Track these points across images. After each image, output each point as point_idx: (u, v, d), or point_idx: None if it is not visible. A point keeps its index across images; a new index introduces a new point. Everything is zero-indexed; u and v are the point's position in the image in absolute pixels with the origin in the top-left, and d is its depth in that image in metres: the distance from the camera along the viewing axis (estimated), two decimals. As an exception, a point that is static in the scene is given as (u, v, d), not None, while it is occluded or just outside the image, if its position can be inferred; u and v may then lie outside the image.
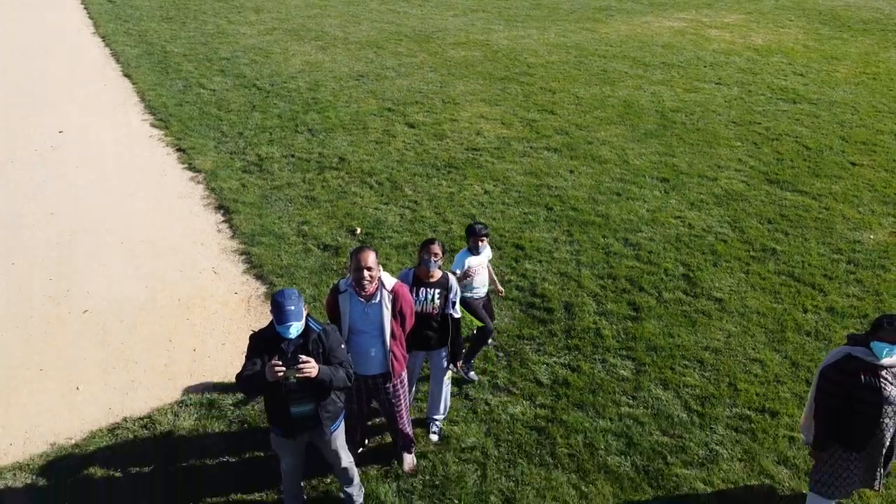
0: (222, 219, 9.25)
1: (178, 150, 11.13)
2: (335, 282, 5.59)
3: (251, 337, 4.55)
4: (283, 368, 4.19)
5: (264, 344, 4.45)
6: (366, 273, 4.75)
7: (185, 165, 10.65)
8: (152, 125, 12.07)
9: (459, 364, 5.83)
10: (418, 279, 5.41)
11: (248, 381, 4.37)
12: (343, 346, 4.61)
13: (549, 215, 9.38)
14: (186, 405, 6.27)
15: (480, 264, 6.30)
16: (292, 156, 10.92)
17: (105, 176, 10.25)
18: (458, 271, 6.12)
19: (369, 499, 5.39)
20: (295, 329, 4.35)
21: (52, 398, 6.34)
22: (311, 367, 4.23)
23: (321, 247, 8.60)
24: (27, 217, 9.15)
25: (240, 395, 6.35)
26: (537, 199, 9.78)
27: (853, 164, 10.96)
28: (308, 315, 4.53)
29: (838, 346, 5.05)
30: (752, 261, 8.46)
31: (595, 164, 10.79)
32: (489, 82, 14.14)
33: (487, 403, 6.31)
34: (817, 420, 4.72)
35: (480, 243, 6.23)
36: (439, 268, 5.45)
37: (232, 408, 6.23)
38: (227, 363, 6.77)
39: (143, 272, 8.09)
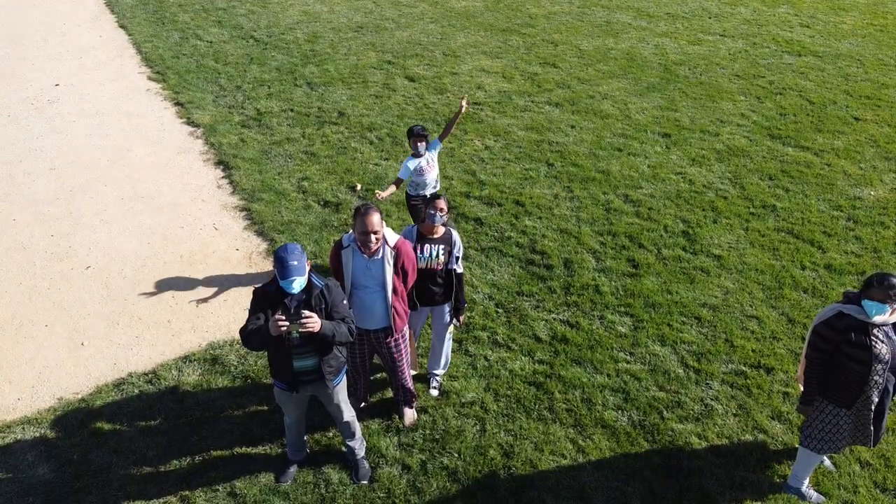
0: (222, 174, 9.23)
1: (177, 103, 11.04)
2: (338, 237, 5.60)
3: (254, 292, 4.60)
4: (287, 323, 4.24)
5: (267, 299, 4.49)
6: (372, 237, 4.78)
7: (184, 120, 10.58)
8: (149, 78, 11.94)
9: (462, 318, 5.88)
10: (422, 235, 5.43)
11: (252, 336, 4.42)
12: (345, 301, 4.66)
13: (549, 171, 9.35)
14: (190, 361, 6.36)
15: (428, 162, 6.92)
16: (291, 110, 10.83)
17: (104, 130, 10.19)
18: (403, 178, 6.80)
19: (371, 452, 5.51)
20: (298, 284, 4.38)
21: (58, 353, 6.43)
22: (313, 322, 4.28)
23: (321, 203, 8.60)
24: (26, 171, 9.13)
25: (243, 351, 6.44)
26: (538, 154, 9.74)
27: (856, 119, 10.87)
28: (311, 271, 4.56)
29: (832, 304, 5.10)
30: (751, 217, 8.47)
31: (597, 119, 10.71)
32: (490, 34, 13.93)
33: (487, 359, 6.40)
34: (807, 375, 4.80)
35: (419, 144, 6.77)
36: (444, 224, 5.46)
37: (235, 363, 6.32)
38: (230, 319, 6.85)
39: (144, 228, 8.11)
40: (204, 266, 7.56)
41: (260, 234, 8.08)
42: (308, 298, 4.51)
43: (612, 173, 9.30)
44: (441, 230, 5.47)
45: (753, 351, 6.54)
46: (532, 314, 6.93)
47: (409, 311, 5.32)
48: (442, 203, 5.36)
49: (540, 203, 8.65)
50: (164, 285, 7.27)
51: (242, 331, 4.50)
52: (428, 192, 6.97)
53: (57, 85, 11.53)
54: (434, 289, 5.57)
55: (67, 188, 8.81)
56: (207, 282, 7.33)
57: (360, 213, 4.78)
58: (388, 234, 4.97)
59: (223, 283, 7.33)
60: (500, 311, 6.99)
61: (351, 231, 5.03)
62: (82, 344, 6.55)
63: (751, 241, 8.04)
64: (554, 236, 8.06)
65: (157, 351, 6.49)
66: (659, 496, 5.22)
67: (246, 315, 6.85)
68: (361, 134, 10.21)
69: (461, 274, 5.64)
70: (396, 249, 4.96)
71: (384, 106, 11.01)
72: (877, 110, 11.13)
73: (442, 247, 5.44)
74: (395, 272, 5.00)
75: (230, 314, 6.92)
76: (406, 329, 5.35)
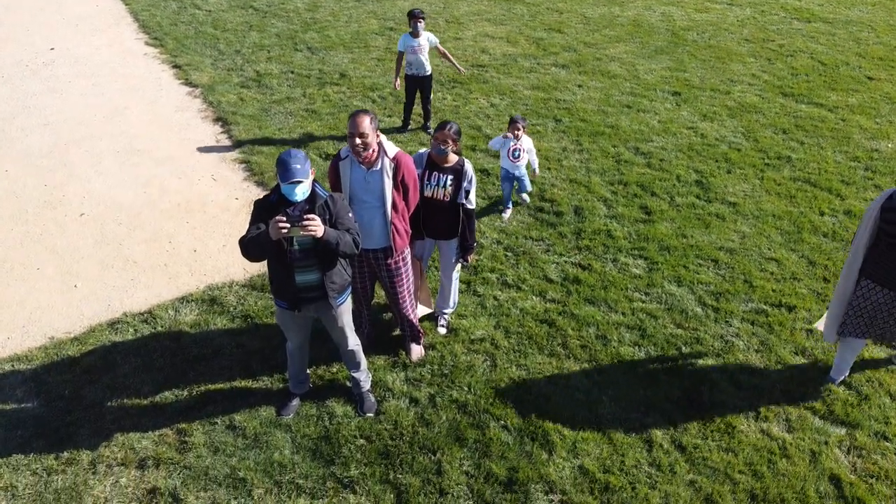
0: (220, 130, 8.98)
1: (174, 66, 10.80)
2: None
3: (255, 203, 4.34)
4: (287, 225, 3.98)
5: (269, 209, 4.23)
6: (358, 141, 4.51)
7: (182, 81, 10.33)
8: (147, 44, 11.70)
9: (471, 258, 5.59)
10: (433, 162, 5.17)
11: (251, 244, 4.17)
12: (350, 214, 4.40)
13: (557, 126, 9.10)
14: (188, 301, 6.11)
15: (420, 45, 8.26)
16: (291, 72, 10.59)
17: (99, 90, 9.95)
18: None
19: (377, 386, 5.26)
20: (301, 190, 4.13)
21: (49, 295, 6.17)
22: (316, 225, 4.02)
23: (324, 156, 8.35)
24: (20, 126, 8.88)
25: (242, 292, 6.19)
26: (545, 111, 9.49)
27: (870, 78, 10.62)
28: (314, 181, 4.31)
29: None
30: (766, 168, 8.22)
31: (604, 79, 10.47)
32: (493, 2, 13.70)
33: (496, 299, 6.15)
34: (856, 254, 4.78)
35: (418, 24, 8.13)
36: (455, 153, 5.20)
37: (234, 304, 6.06)
38: (229, 263, 6.59)
39: (140, 179, 7.86)
40: (202, 214, 7.31)
41: (260, 184, 7.83)
42: (311, 209, 4.26)
43: (621, 128, 9.05)
44: (453, 159, 5.19)
45: (774, 291, 6.28)
46: (542, 257, 6.68)
47: (410, 231, 5.04)
48: (447, 135, 5.07)
49: (548, 155, 8.40)
50: (160, 231, 7.02)
51: (241, 240, 4.24)
52: (419, 72, 8.49)
53: (52, 49, 11.29)
54: (439, 221, 5.30)
55: (62, 142, 8.56)
56: (205, 228, 7.08)
57: (350, 115, 4.52)
58: (386, 146, 4.70)
59: (222, 229, 7.07)
60: (509, 254, 6.73)
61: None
62: (75, 286, 6.29)
63: (766, 190, 7.79)
64: (563, 185, 7.80)
65: (152, 293, 6.24)
66: (681, 428, 4.96)
67: (245, 261, 6.60)
68: (364, 94, 9.96)
69: (471, 210, 5.32)
70: (395, 161, 4.70)
71: (386, 68, 10.76)
72: (891, 70, 10.89)
73: (451, 177, 5.17)
74: (395, 186, 4.73)
75: (229, 258, 6.66)
76: (407, 251, 5.08)
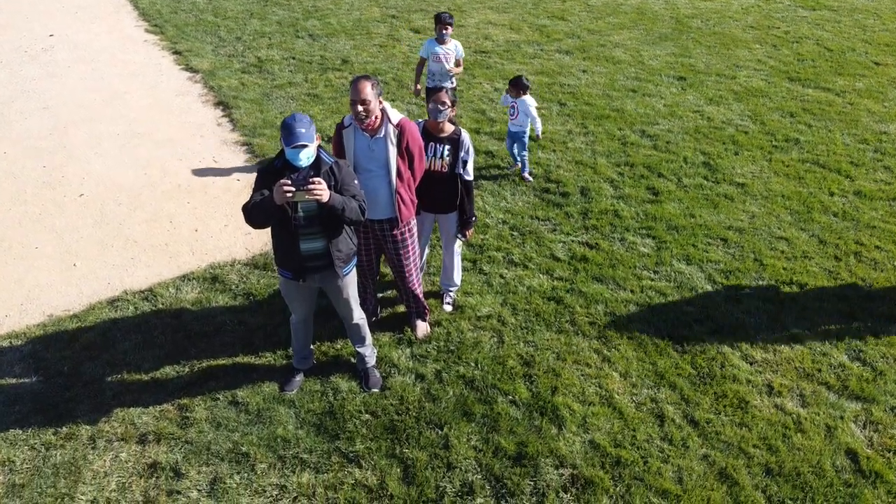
0: (222, 114, 8.88)
1: (175, 52, 10.69)
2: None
3: (259, 169, 4.24)
4: (292, 189, 3.87)
5: (273, 175, 4.13)
6: (360, 108, 4.40)
7: (182, 66, 10.23)
8: (147, 31, 11.60)
9: (469, 233, 5.44)
10: (428, 132, 5.05)
11: (255, 210, 4.06)
12: (356, 181, 4.30)
13: (561, 110, 9.00)
14: (189, 280, 6.00)
15: (445, 53, 7.13)
16: (293, 58, 10.49)
17: (99, 74, 9.85)
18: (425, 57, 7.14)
19: (382, 362, 5.15)
20: (305, 155, 4.02)
21: (48, 274, 6.07)
22: (322, 189, 3.91)
23: (326, 139, 8.24)
24: (18, 110, 8.78)
25: (245, 271, 6.08)
26: (549, 95, 9.39)
27: (877, 63, 10.53)
28: (320, 147, 4.20)
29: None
30: (774, 150, 8.12)
31: (609, 65, 10.37)
32: (496, -9, 13.59)
33: (503, 277, 6.04)
34: None
35: (445, 31, 6.99)
36: (451, 122, 5.09)
37: (237, 282, 5.96)
38: (231, 243, 6.49)
39: (141, 161, 7.76)
40: (203, 195, 7.21)
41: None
42: (316, 175, 4.15)
43: (626, 111, 8.95)
44: (449, 129, 5.08)
45: (784, 269, 6.18)
46: (549, 237, 6.57)
47: (416, 202, 4.93)
48: (444, 97, 4.94)
49: (553, 138, 8.30)
50: (160, 212, 6.91)
51: (245, 207, 4.14)
52: (441, 83, 7.21)
53: (51, 35, 11.19)
54: (438, 193, 5.17)
55: (61, 125, 8.46)
56: (207, 209, 6.97)
57: (352, 81, 4.41)
58: (390, 112, 4.60)
59: (223, 210, 6.97)
60: (514, 233, 6.63)
61: None
62: (74, 265, 6.19)
63: (775, 171, 7.69)
64: (569, 167, 7.70)
65: (153, 272, 6.14)
66: (693, 403, 4.86)
67: (247, 239, 6.51)
68: (366, 78, 9.84)
69: (469, 182, 5.19)
70: (400, 128, 4.59)
71: (389, 54, 10.66)
72: (897, 55, 10.79)
73: (448, 147, 5.04)
74: (400, 154, 4.62)
75: (231, 238, 6.56)
76: (413, 223, 4.97)
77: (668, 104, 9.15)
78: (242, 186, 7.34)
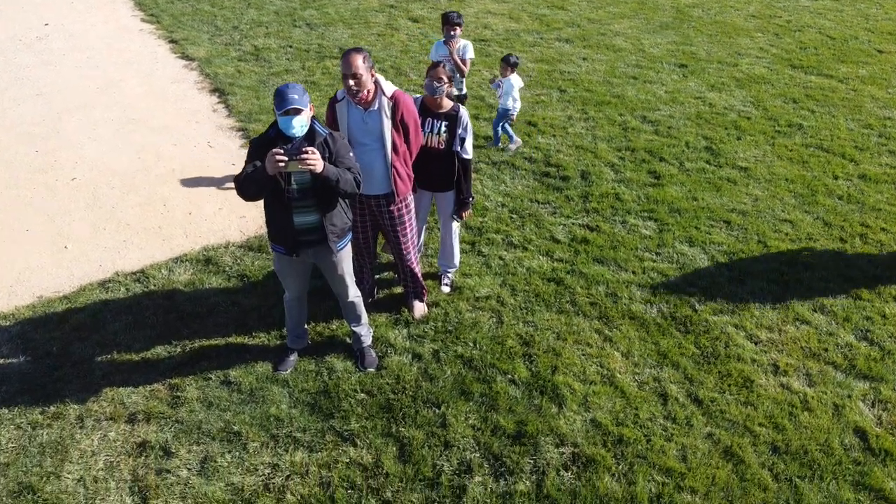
0: (217, 100, 8.77)
1: (171, 41, 10.58)
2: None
3: (251, 141, 4.12)
4: (286, 158, 3.76)
5: (266, 145, 4.01)
6: (352, 82, 4.28)
7: (179, 55, 10.12)
8: (143, 20, 11.49)
9: (466, 214, 5.32)
10: (426, 108, 4.94)
11: (247, 181, 3.95)
12: (351, 153, 4.19)
13: (562, 97, 8.89)
14: (182, 261, 5.89)
15: (451, 55, 6.51)
16: (290, 47, 10.38)
17: (94, 62, 9.74)
18: (441, 60, 6.29)
19: (378, 342, 5.03)
20: (298, 122, 3.91)
21: (38, 257, 5.95)
22: (315, 159, 3.80)
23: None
24: (11, 97, 8.67)
25: (239, 253, 5.97)
26: (549, 82, 9.28)
27: (880, 51, 10.42)
28: (314, 118, 4.09)
29: None
30: (777, 135, 8.01)
31: (609, 53, 10.26)
32: (496, -18, 13.47)
33: (502, 258, 5.93)
34: None
35: (453, 32, 6.39)
36: (449, 97, 4.97)
37: (230, 264, 5.85)
38: (225, 226, 6.38)
39: (135, 146, 7.64)
40: (198, 179, 7.09)
41: (257, 151, 7.59)
42: (310, 146, 4.03)
43: (627, 98, 8.84)
44: (447, 105, 4.95)
45: (789, 250, 6.07)
46: (549, 219, 6.46)
47: (412, 176, 4.81)
48: (441, 72, 4.82)
49: (553, 123, 8.19)
50: (154, 195, 6.80)
51: (237, 178, 4.03)
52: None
53: (46, 24, 11.08)
54: (434, 171, 5.04)
55: (55, 111, 8.35)
56: (202, 193, 6.86)
57: (343, 55, 4.30)
58: (384, 85, 4.48)
59: (218, 193, 6.86)
60: (514, 216, 6.52)
61: None
62: (65, 247, 6.07)
63: (778, 155, 7.57)
64: (569, 151, 7.59)
65: (145, 254, 6.02)
66: (696, 383, 4.74)
67: (241, 222, 6.40)
68: (364, 66, 9.73)
69: (467, 160, 5.06)
70: (394, 100, 4.47)
71: (387, 43, 10.55)
72: (901, 43, 10.68)
73: (445, 123, 4.91)
74: (395, 127, 4.50)
75: (225, 221, 6.45)
76: (410, 198, 4.85)
77: (670, 90, 9.04)
78: (237, 170, 7.21)
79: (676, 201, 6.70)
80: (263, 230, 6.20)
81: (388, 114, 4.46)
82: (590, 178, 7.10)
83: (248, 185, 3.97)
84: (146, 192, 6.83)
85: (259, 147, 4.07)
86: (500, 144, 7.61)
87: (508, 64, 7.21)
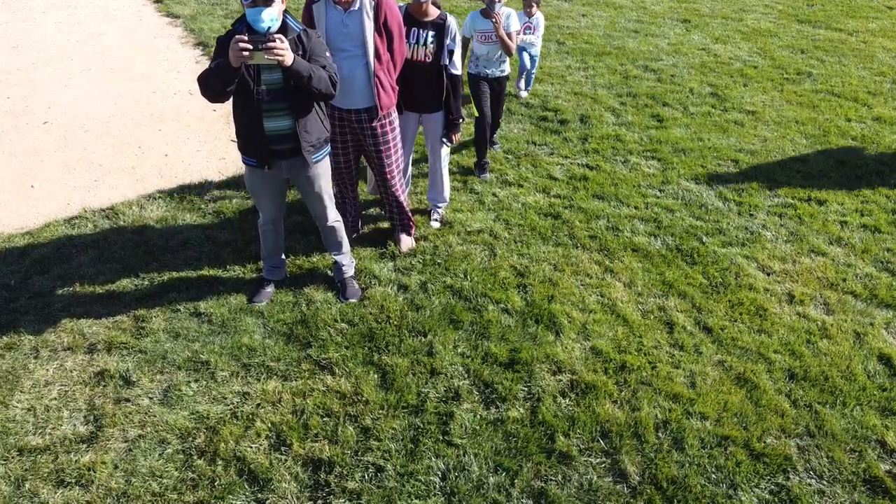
0: (201, 53, 8.40)
1: (156, 1, 10.21)
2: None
3: (218, 39, 3.75)
4: (250, 47, 3.38)
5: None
6: None
7: (163, 13, 9.76)
8: (128, -18, 11.10)
9: (456, 137, 4.95)
10: (410, 17, 4.55)
11: (211, 76, 3.58)
12: (328, 53, 3.82)
13: (560, 49, 8.52)
14: (154, 199, 5.52)
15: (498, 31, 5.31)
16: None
17: (75, 19, 9.38)
18: (465, 35, 5.46)
19: (362, 274, 4.67)
20: (268, 15, 3.54)
21: (2, 195, 5.59)
22: (283, 49, 3.43)
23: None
24: (-14, 49, 8.31)
25: (216, 192, 5.60)
26: (547, 35, 8.89)
27: (890, 7, 10.05)
28: (287, 12, 3.73)
29: None
30: (785, 82, 7.64)
31: (609, 10, 9.89)
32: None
33: (496, 195, 5.56)
34: None
35: (498, 2, 5.21)
36: (436, 6, 4.59)
37: (207, 201, 5.47)
38: (203, 167, 6.01)
39: (112, 93, 7.28)
40: (177, 123, 6.73)
41: (240, 98, 7.23)
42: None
43: (628, 49, 8.47)
44: (433, 13, 4.56)
45: (802, 186, 5.71)
46: (546, 159, 6.10)
47: (397, 88, 4.43)
48: None
49: (551, 72, 7.82)
50: (130, 138, 6.43)
51: (200, 75, 3.66)
52: (489, 72, 5.54)
53: (27, -16, 10.70)
54: (422, 87, 4.65)
55: (30, 61, 7.98)
56: (179, 136, 6.50)
57: None
58: None
59: (197, 137, 6.49)
60: (509, 157, 6.15)
61: None
62: (32, 186, 5.71)
63: (787, 100, 7.21)
64: (568, 97, 7.22)
65: (117, 193, 5.66)
66: (705, 311, 4.37)
67: (220, 164, 6.04)
68: (354, 22, 9.37)
69: (456, 76, 4.65)
70: (376, 1, 4.10)
71: (379, 1, 10.17)
72: (911, -1, 10.31)
73: (431, 33, 4.52)
74: (377, 30, 4.13)
75: (204, 163, 6.08)
76: (395, 115, 4.48)
77: (673, 43, 8.67)
78: (218, 116, 6.86)
79: (681, 142, 6.34)
80: (240, 172, 5.83)
81: (370, 15, 4.09)
82: (589, 121, 6.73)
83: (212, 80, 3.60)
84: (121, 134, 6.47)
85: (224, 44, 3.69)
86: (530, 89, 7.26)
87: (530, 3, 6.73)
